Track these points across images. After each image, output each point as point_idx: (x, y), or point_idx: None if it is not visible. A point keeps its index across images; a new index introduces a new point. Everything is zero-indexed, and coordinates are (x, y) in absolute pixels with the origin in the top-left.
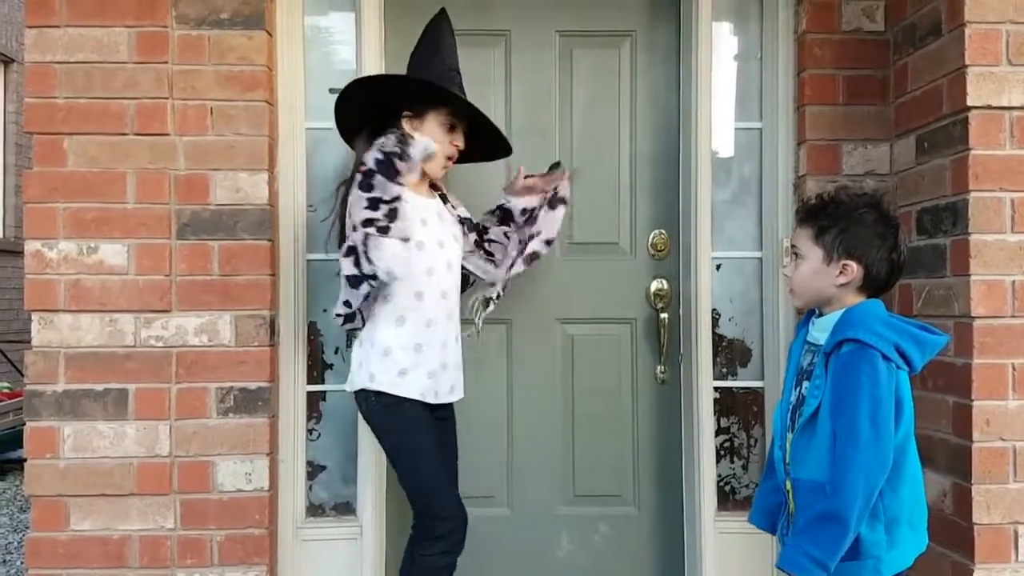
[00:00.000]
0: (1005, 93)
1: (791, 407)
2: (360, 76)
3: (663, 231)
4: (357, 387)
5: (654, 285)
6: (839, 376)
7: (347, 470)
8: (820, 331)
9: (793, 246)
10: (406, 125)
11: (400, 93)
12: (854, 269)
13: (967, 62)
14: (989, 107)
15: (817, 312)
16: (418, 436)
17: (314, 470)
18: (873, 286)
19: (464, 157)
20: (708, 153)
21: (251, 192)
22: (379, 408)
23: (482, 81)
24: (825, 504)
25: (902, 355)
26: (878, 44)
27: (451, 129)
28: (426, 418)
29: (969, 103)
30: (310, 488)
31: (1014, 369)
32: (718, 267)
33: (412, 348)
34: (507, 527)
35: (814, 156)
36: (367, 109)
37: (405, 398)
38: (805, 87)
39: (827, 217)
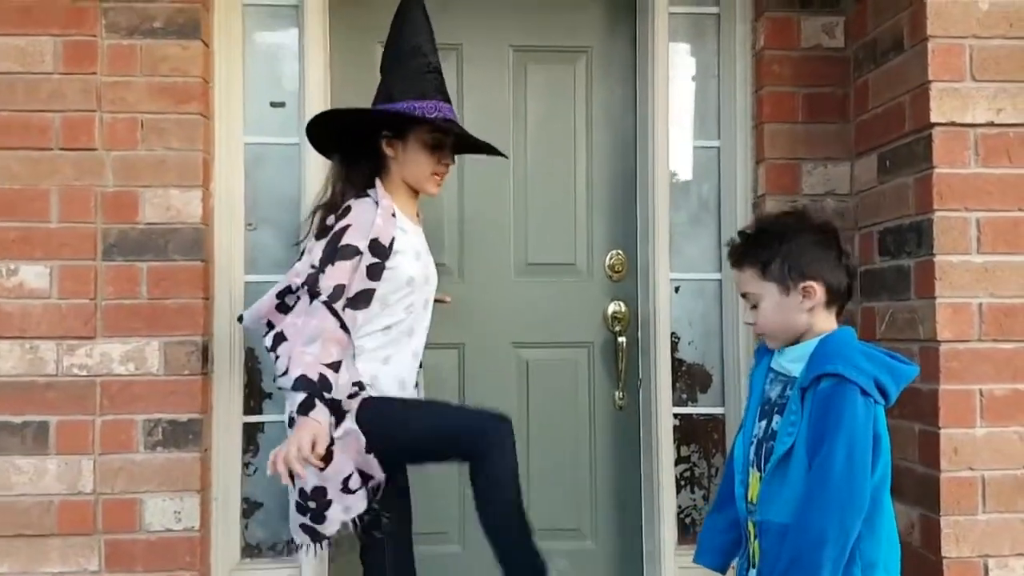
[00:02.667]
0: (969, 109)
1: (755, 440)
2: (329, 109)
3: (621, 252)
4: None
5: (612, 307)
6: (818, 413)
7: (286, 506)
8: (791, 361)
9: (744, 294)
10: (387, 149)
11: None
12: (815, 289)
13: (930, 78)
14: (953, 124)
15: None
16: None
17: (250, 507)
18: (837, 299)
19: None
20: (665, 172)
21: (183, 210)
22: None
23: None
24: (795, 550)
25: (880, 389)
26: (838, 61)
27: (437, 147)
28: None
29: (932, 120)
30: (246, 527)
31: (982, 395)
32: (677, 289)
33: (381, 359)
34: (460, 565)
35: (773, 175)
36: (341, 131)
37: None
38: (763, 104)
39: (762, 249)
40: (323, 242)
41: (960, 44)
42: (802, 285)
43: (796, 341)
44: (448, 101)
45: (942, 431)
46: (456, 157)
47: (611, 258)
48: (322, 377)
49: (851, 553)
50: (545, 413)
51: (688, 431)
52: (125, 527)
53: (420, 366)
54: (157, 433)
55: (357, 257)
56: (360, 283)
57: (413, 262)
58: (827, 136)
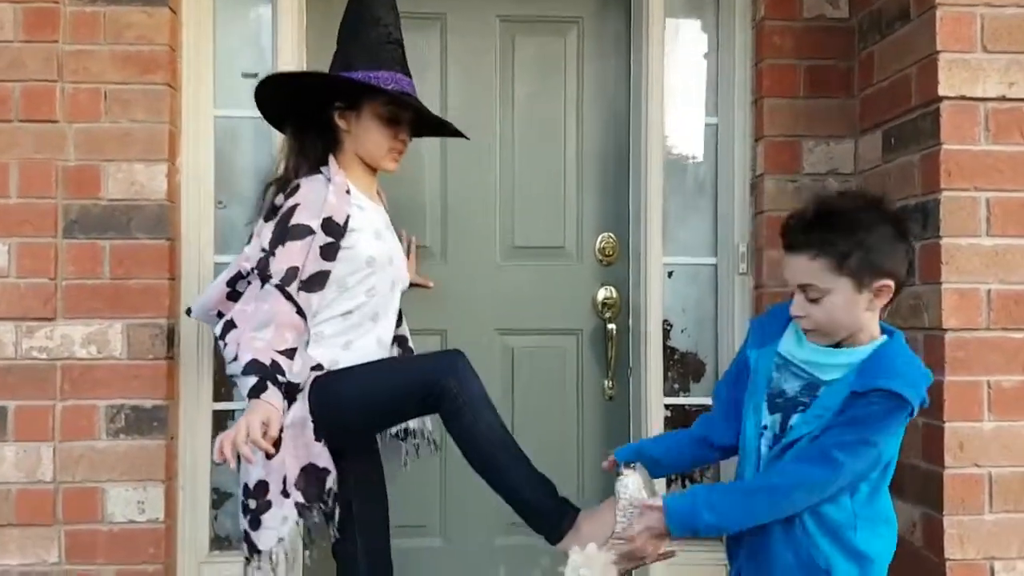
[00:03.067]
0: (980, 82)
1: (763, 431)
2: (277, 72)
3: (612, 235)
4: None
5: (602, 293)
6: (860, 414)
7: None
8: (828, 366)
9: (805, 285)
10: (339, 121)
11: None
12: (891, 287)
13: (938, 48)
14: (963, 97)
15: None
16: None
17: (220, 498)
18: (895, 298)
19: (417, 131)
20: (660, 151)
21: (147, 185)
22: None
23: (413, 68)
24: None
25: (922, 404)
26: (842, 32)
27: (392, 121)
28: None
29: (941, 93)
30: (215, 518)
31: (989, 387)
32: (670, 274)
33: (341, 344)
34: (440, 559)
35: (772, 153)
36: (293, 99)
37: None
38: (763, 78)
39: (842, 239)
40: (272, 223)
41: (970, 12)
42: (878, 284)
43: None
44: (408, 75)
45: (947, 425)
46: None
47: (602, 241)
48: (275, 363)
49: (847, 543)
50: (531, 403)
51: (680, 422)
52: (86, 517)
53: (409, 352)
54: (120, 420)
55: (309, 237)
56: (314, 264)
57: (372, 241)
58: (830, 112)
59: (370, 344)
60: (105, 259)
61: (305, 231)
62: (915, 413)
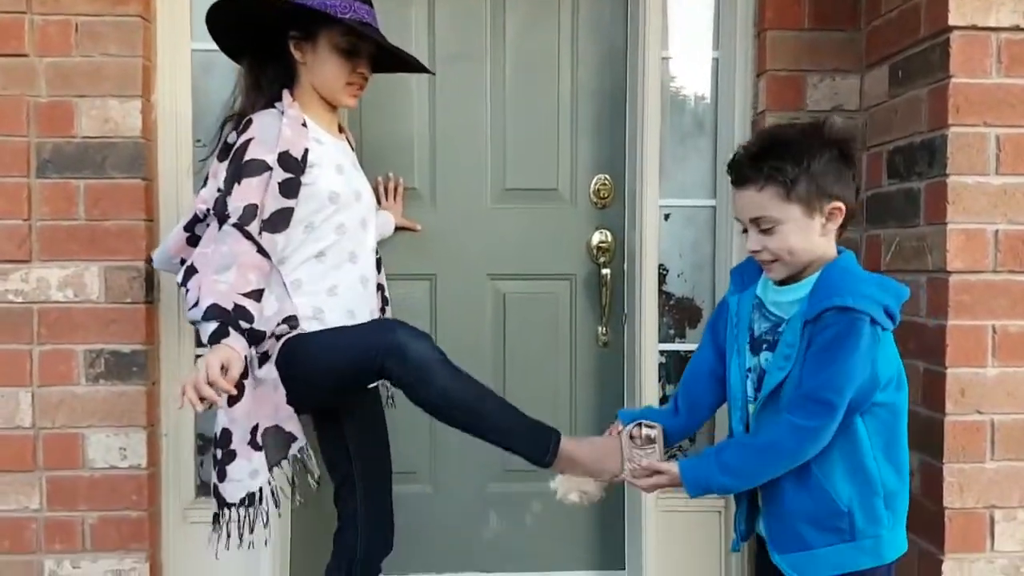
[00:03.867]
0: (992, 11)
1: (748, 373)
2: None
3: (607, 176)
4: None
5: (596, 237)
6: (824, 344)
7: None
8: (788, 298)
9: (757, 218)
10: (294, 52)
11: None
12: (842, 209)
13: None
14: (974, 27)
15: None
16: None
17: (206, 444)
18: (845, 223)
19: (380, 66)
20: (656, 87)
21: (122, 122)
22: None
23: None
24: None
25: (889, 315)
26: None
27: (351, 54)
28: None
29: (951, 22)
30: (201, 464)
31: (994, 332)
32: (666, 217)
33: (325, 290)
34: (430, 506)
35: (775, 89)
36: (246, 27)
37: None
38: (766, 9)
39: (787, 166)
40: (226, 162)
41: None
42: (829, 207)
43: (792, 277)
44: (369, 4)
45: (949, 371)
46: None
47: (596, 183)
48: (238, 307)
49: (870, 480)
50: (523, 350)
51: (675, 369)
52: (67, 464)
53: (385, 301)
54: (99, 364)
55: (266, 173)
56: (274, 202)
57: (334, 176)
58: (835, 45)
59: (355, 285)
60: (80, 199)
61: (261, 166)
62: (890, 326)
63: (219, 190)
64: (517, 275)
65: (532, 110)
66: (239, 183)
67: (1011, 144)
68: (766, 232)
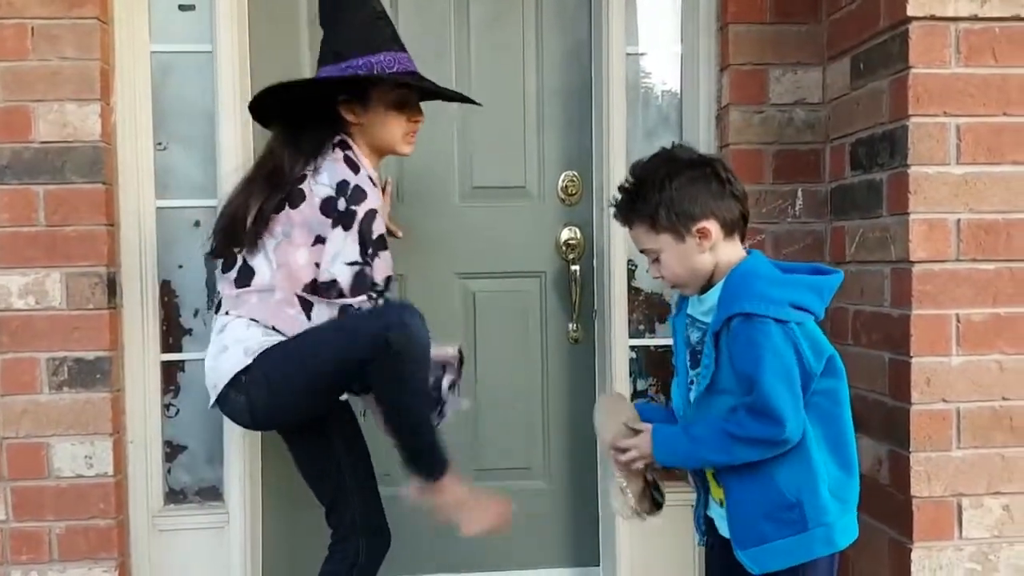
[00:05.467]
0: (951, 1)
1: (690, 386)
2: (271, 86)
3: (575, 173)
4: (228, 376)
5: (565, 234)
6: (738, 352)
7: (212, 449)
8: (705, 307)
9: (643, 251)
10: (347, 115)
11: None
12: (708, 229)
13: None
14: (932, 17)
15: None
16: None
17: (173, 451)
18: (735, 229)
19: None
20: (621, 83)
21: (81, 127)
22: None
23: None
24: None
25: (800, 308)
26: None
27: (403, 105)
28: None
29: (910, 13)
30: (169, 471)
31: (958, 320)
32: None
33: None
34: (402, 507)
35: (738, 83)
36: (287, 102)
37: None
38: (729, 3)
39: (644, 202)
40: (345, 230)
41: None
42: (695, 227)
43: (709, 283)
44: (404, 49)
45: (914, 360)
46: None
47: (564, 180)
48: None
49: (814, 470)
50: (494, 348)
51: (645, 364)
52: (33, 473)
53: None
54: (63, 372)
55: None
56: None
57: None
58: (797, 38)
59: None
60: (40, 205)
61: (384, 240)
62: (807, 319)
63: (355, 263)
64: (486, 273)
65: (498, 106)
66: (379, 257)
67: (971, 134)
68: (656, 261)
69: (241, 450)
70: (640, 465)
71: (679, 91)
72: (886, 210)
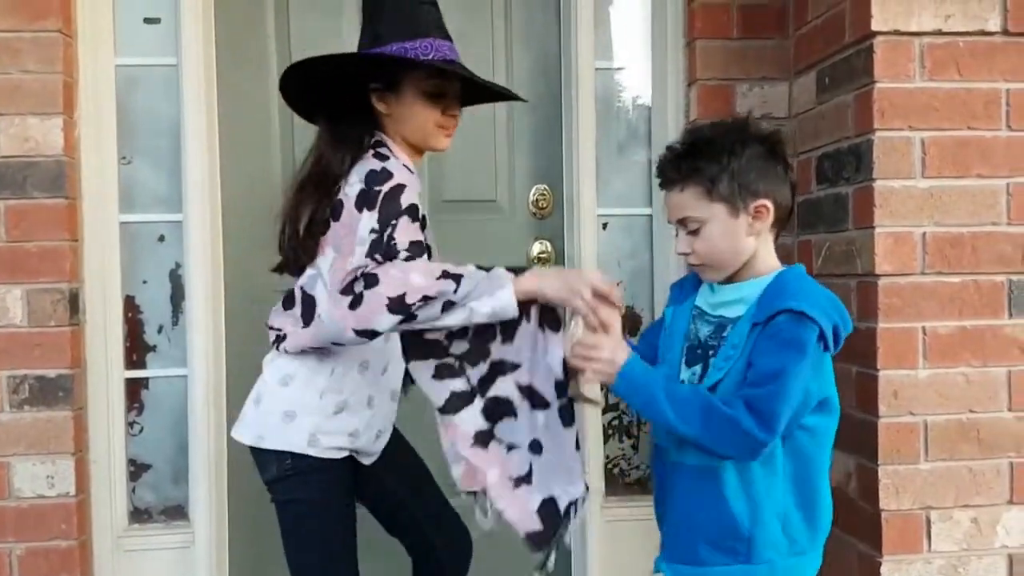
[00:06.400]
0: (915, 16)
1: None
2: (297, 61)
3: (546, 186)
4: (276, 445)
5: (536, 248)
6: (769, 345)
7: (178, 468)
8: (730, 302)
9: (682, 219)
10: (378, 104)
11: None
12: (768, 207)
13: None
14: (897, 32)
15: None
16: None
17: (137, 469)
18: (784, 220)
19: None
20: (591, 97)
21: (43, 141)
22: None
23: (330, 13)
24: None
25: (836, 336)
26: None
27: (438, 96)
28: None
29: (874, 28)
30: (133, 490)
31: (924, 333)
32: (604, 226)
33: (365, 402)
34: (369, 521)
35: (705, 98)
36: (323, 86)
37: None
38: (696, 19)
39: (707, 164)
40: (369, 210)
41: None
42: (754, 204)
43: (731, 277)
44: (448, 38)
45: (881, 373)
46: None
47: (535, 193)
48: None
49: (757, 501)
50: None
51: None
52: None
53: None
54: (23, 390)
55: (418, 223)
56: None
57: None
58: (763, 53)
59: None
60: (1, 221)
61: (417, 212)
62: (833, 345)
63: (372, 230)
64: None
65: (468, 120)
66: (396, 222)
67: (936, 147)
68: (693, 233)
69: (207, 469)
70: (591, 376)
71: (648, 105)
72: (852, 223)
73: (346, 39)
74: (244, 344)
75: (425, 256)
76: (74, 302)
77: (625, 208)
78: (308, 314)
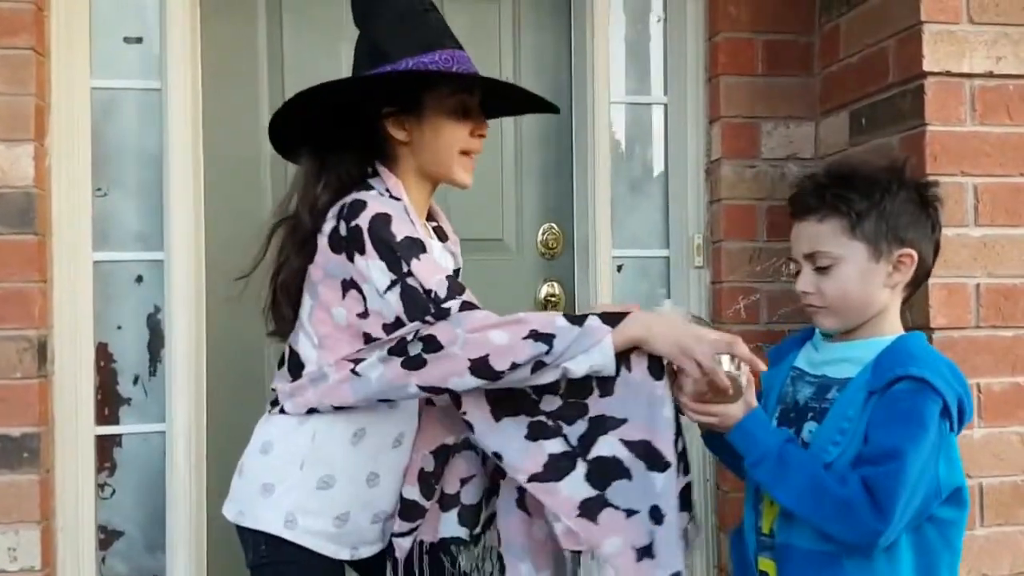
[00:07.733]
0: (966, 57)
1: None
2: (300, 92)
3: (555, 226)
4: (252, 523)
5: (545, 290)
6: (887, 416)
7: (153, 535)
8: (838, 361)
9: (812, 253)
10: (395, 132)
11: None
12: (913, 258)
13: (923, 18)
14: (948, 73)
15: (821, 334)
16: None
17: (108, 537)
18: (918, 281)
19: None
20: (606, 133)
21: (10, 170)
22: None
23: (327, 33)
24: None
25: (960, 411)
26: (800, 3)
27: (464, 112)
28: None
29: (925, 68)
30: (103, 560)
31: (979, 391)
32: (619, 268)
33: (363, 480)
34: None
35: (729, 136)
36: (319, 119)
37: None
38: (719, 54)
39: (856, 198)
40: (364, 256)
41: None
42: (899, 253)
43: (847, 333)
44: (460, 47)
45: None
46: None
47: (544, 233)
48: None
49: None
50: None
51: None
52: None
53: None
54: None
55: (427, 253)
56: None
57: None
58: (789, 91)
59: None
60: None
61: (416, 244)
62: (957, 423)
63: (391, 281)
64: None
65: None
66: (417, 260)
67: (988, 194)
68: (821, 271)
69: (186, 536)
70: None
71: (664, 143)
72: None
73: (344, 61)
74: (229, 397)
75: (469, 293)
76: (42, 351)
77: (641, 249)
78: (294, 371)
